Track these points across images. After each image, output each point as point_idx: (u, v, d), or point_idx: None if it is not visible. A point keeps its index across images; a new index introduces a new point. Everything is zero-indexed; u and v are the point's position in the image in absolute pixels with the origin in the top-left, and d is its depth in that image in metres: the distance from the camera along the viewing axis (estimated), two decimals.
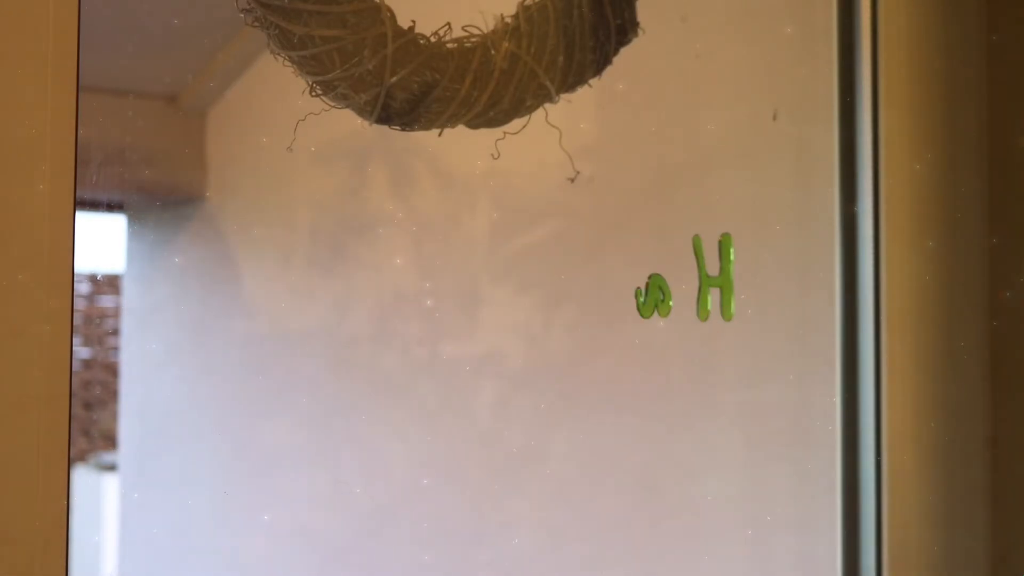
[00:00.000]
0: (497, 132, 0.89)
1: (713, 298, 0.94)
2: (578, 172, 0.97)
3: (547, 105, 0.90)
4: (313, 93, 0.81)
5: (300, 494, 1.13)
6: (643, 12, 0.95)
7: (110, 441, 1.14)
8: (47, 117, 0.69)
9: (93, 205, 0.88)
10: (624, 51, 0.94)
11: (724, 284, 0.92)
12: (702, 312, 0.88)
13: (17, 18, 0.69)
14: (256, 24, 0.79)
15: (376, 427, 1.17)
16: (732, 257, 0.91)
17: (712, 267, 0.92)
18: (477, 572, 1.16)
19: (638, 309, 0.87)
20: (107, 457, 1.15)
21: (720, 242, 0.93)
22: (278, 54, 0.80)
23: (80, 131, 0.70)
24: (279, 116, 0.90)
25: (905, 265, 1.19)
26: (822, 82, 1.21)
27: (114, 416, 1.14)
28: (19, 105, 0.68)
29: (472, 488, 1.20)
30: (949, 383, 1.22)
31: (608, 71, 0.94)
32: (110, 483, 1.15)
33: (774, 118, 1.21)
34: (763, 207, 1.23)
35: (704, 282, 0.90)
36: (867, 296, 1.18)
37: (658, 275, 0.88)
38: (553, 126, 0.91)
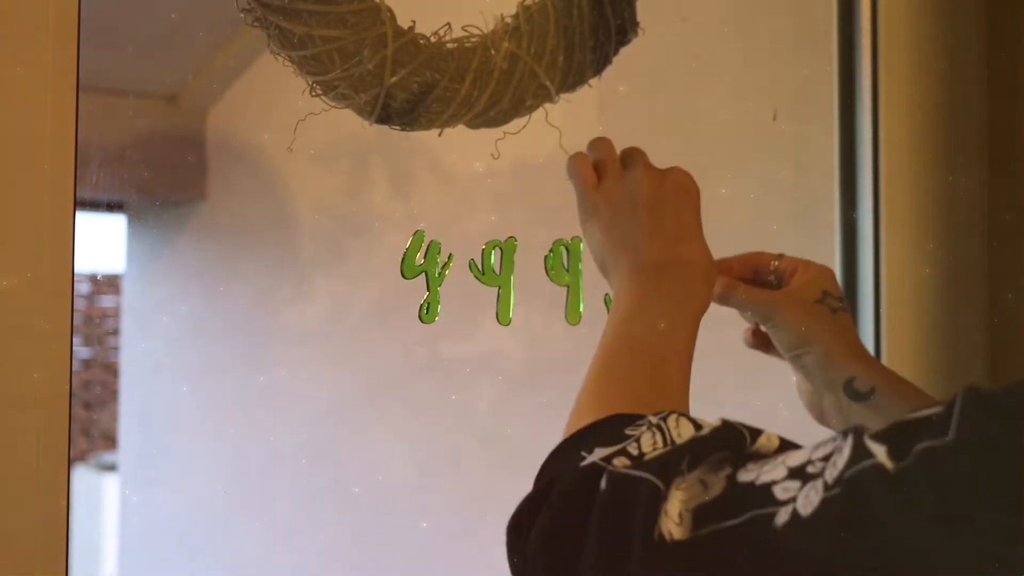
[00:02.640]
0: (497, 132, 0.89)
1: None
2: None
3: (547, 105, 0.90)
4: (313, 93, 0.82)
5: (300, 494, 1.13)
6: (643, 12, 0.95)
7: (110, 441, 1.14)
8: (47, 117, 0.69)
9: (93, 205, 0.88)
10: (624, 51, 0.94)
11: None
12: None
13: (17, 18, 0.69)
14: (256, 24, 0.79)
15: (376, 426, 1.17)
16: None
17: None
18: (477, 572, 1.16)
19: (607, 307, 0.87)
20: (107, 457, 1.15)
21: None
22: (278, 54, 0.80)
23: (80, 131, 0.70)
24: (279, 116, 0.90)
25: (905, 265, 1.19)
26: (822, 82, 1.21)
27: (114, 416, 1.14)
28: (19, 105, 0.69)
29: (472, 488, 1.20)
30: (949, 383, 1.22)
31: (608, 71, 0.94)
32: (110, 483, 1.15)
33: (774, 118, 1.21)
34: (763, 207, 1.23)
35: None
36: (867, 296, 1.19)
37: None
38: (553, 126, 0.91)
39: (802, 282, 0.87)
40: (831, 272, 0.89)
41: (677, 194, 0.80)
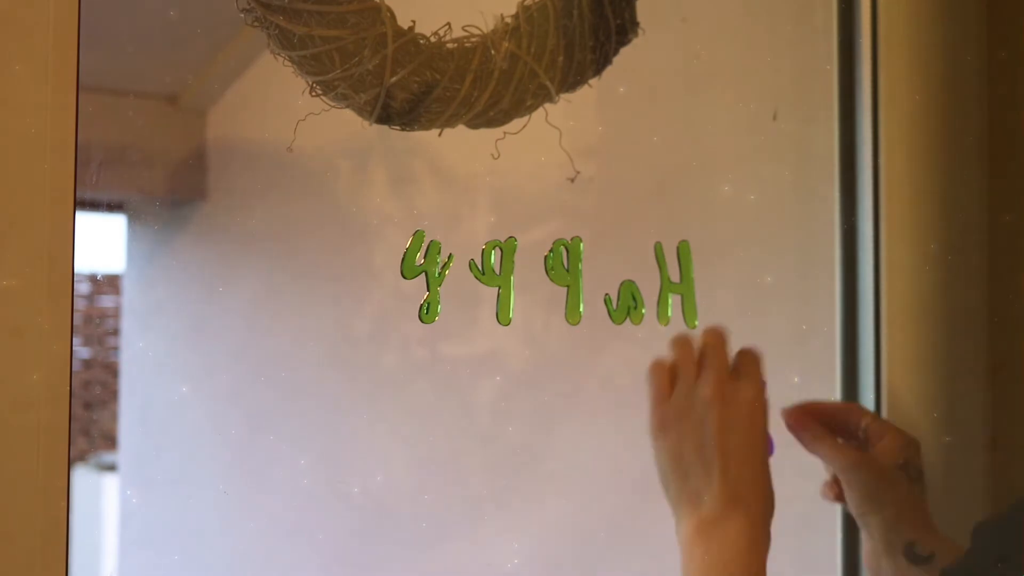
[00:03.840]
0: (497, 132, 0.89)
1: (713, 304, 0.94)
2: (578, 172, 0.97)
3: (547, 105, 0.90)
4: (313, 93, 0.82)
5: (300, 494, 1.13)
6: (643, 12, 0.95)
7: (110, 441, 1.14)
8: (47, 117, 0.69)
9: (93, 205, 0.88)
10: (624, 51, 0.94)
11: (685, 291, 0.92)
12: (662, 317, 0.89)
13: (17, 18, 0.69)
14: (256, 24, 0.79)
15: (376, 427, 1.17)
16: (691, 264, 0.91)
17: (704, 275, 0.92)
18: (477, 572, 1.16)
19: (609, 315, 0.88)
20: (107, 457, 1.15)
21: (678, 249, 0.92)
22: (278, 54, 0.80)
23: (80, 131, 0.70)
24: (279, 116, 0.90)
25: (905, 265, 1.19)
26: (822, 82, 1.21)
27: (114, 416, 1.14)
28: (19, 105, 0.68)
29: (472, 488, 1.20)
30: (949, 383, 1.22)
31: (608, 71, 0.94)
32: (110, 483, 1.15)
33: (774, 118, 1.21)
34: (763, 207, 1.23)
35: (665, 287, 0.91)
36: (867, 296, 1.18)
37: (630, 282, 0.88)
38: (553, 126, 0.91)
39: (889, 447, 0.92)
40: (918, 443, 0.94)
41: (748, 421, 0.82)
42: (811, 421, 0.95)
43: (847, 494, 0.91)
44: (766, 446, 0.84)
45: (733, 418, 0.82)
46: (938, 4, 1.21)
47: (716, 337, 0.86)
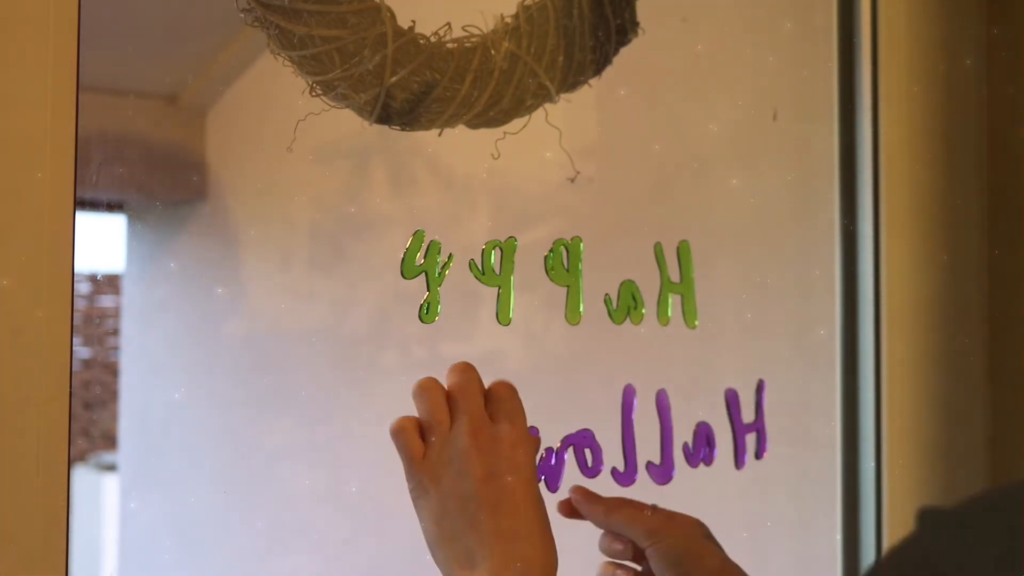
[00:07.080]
0: (497, 132, 0.89)
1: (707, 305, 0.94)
2: (578, 172, 0.97)
3: (547, 105, 0.90)
4: (313, 93, 0.82)
5: (300, 494, 1.13)
6: (643, 12, 0.95)
7: (110, 441, 1.14)
8: (47, 117, 0.69)
9: (93, 205, 0.88)
10: (624, 51, 0.94)
11: (685, 291, 0.92)
12: (662, 317, 0.89)
13: (17, 18, 0.69)
14: (256, 24, 0.79)
15: (376, 427, 1.17)
16: (692, 264, 0.91)
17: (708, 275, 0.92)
18: None
19: (609, 316, 0.88)
20: (107, 457, 1.15)
21: (678, 249, 0.92)
22: (278, 54, 0.80)
23: (80, 131, 0.70)
24: (279, 116, 0.90)
25: (905, 265, 1.19)
26: (822, 82, 1.21)
27: (114, 416, 1.14)
28: (19, 104, 0.68)
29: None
30: (949, 383, 1.22)
31: (608, 71, 0.94)
32: (110, 483, 1.15)
33: (774, 118, 1.21)
34: (763, 207, 1.23)
35: (665, 287, 0.91)
36: (867, 296, 1.19)
37: (630, 282, 0.89)
38: (553, 126, 0.91)
39: (681, 524, 0.86)
40: (705, 525, 0.88)
41: (513, 465, 0.74)
42: (597, 495, 0.87)
43: (660, 556, 0.83)
44: (536, 490, 0.75)
45: (495, 464, 0.73)
46: (938, 4, 1.21)
47: (463, 377, 0.77)
